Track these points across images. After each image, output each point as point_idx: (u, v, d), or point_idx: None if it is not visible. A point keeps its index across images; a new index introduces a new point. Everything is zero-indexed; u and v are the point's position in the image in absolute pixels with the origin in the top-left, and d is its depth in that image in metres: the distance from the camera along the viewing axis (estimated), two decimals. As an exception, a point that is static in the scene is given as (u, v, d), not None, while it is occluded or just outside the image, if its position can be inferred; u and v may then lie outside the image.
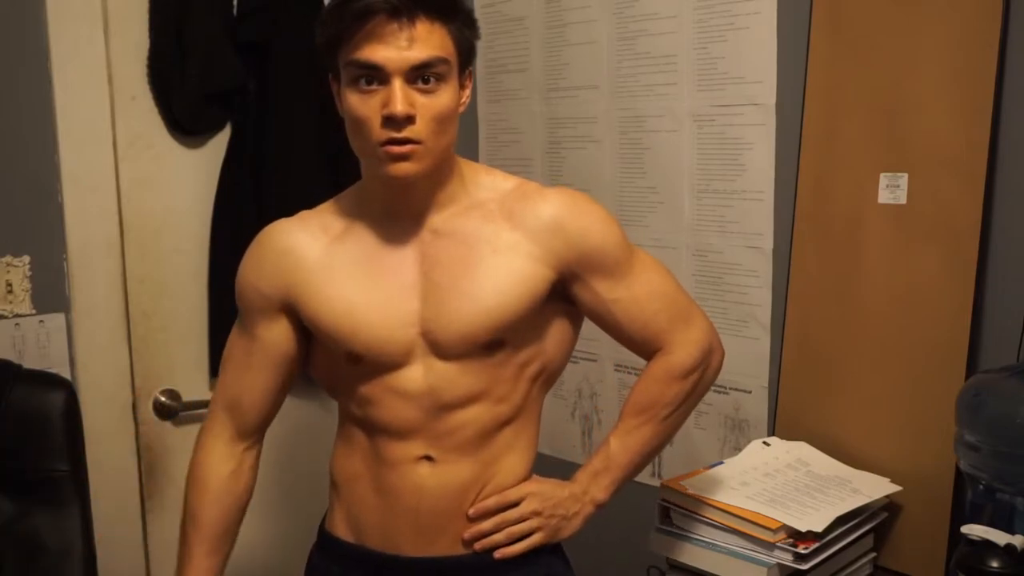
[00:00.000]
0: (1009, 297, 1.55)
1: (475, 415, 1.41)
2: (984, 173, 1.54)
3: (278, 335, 1.45)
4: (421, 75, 1.29)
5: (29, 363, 1.76)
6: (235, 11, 2.16)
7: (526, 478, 1.46)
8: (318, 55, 1.35)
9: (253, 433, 1.51)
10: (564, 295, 1.43)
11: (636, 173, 2.05)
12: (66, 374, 1.95)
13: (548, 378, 1.48)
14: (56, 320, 1.97)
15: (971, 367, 1.57)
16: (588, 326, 1.48)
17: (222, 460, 1.50)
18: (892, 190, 1.65)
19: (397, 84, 1.27)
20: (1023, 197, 1.54)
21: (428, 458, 1.41)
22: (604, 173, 2.11)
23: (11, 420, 1.59)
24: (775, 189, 1.83)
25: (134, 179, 2.10)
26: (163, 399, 2.18)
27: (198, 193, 2.18)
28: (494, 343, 1.38)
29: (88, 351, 2.02)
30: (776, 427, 1.84)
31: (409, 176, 1.31)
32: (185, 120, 2.14)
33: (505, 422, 1.43)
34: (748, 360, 1.90)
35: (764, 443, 1.76)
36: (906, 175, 1.64)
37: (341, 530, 1.50)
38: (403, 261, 1.39)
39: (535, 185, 1.44)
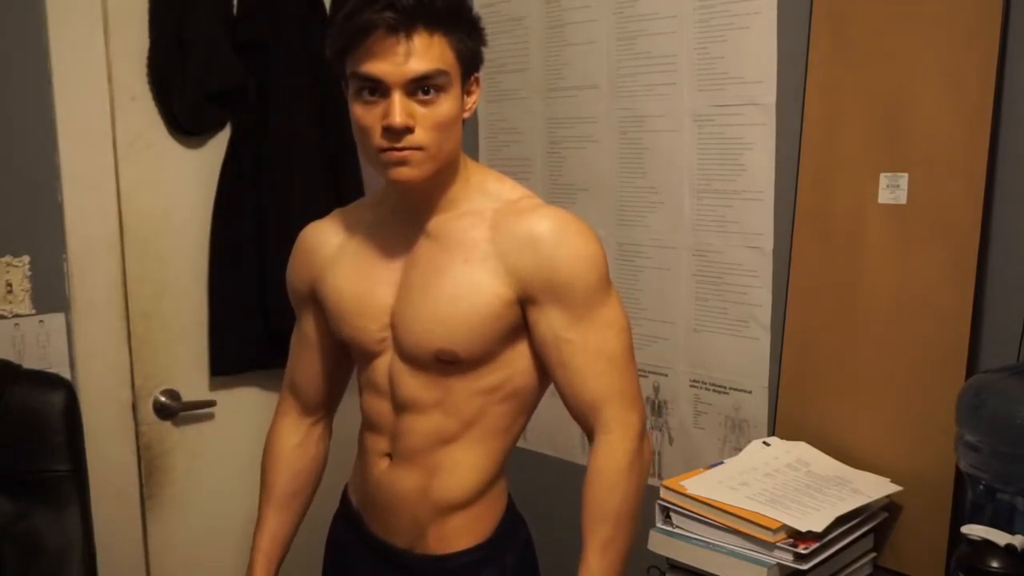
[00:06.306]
0: (1009, 297, 1.55)
1: (425, 423, 1.44)
2: (984, 173, 1.54)
3: (317, 324, 1.57)
4: (421, 86, 1.32)
5: (29, 363, 1.76)
6: (235, 11, 2.15)
7: (474, 498, 1.46)
8: (328, 63, 1.39)
9: (317, 410, 1.65)
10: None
11: (636, 173, 2.05)
12: (66, 374, 1.95)
13: (521, 403, 1.47)
14: (56, 320, 1.97)
15: (971, 367, 1.57)
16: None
17: (289, 433, 1.65)
18: (892, 190, 1.65)
19: (396, 97, 1.31)
20: (1023, 197, 1.54)
21: (388, 455, 1.49)
22: (604, 173, 2.11)
23: (11, 420, 1.59)
24: (775, 189, 1.83)
25: (134, 179, 2.10)
26: (163, 399, 2.18)
27: (198, 193, 2.17)
28: (446, 355, 1.39)
29: (88, 351, 2.02)
30: (776, 427, 1.84)
31: (410, 180, 1.36)
32: (185, 120, 2.13)
33: (451, 438, 1.44)
34: (748, 360, 1.90)
35: (764, 443, 1.76)
36: (906, 175, 1.64)
37: (354, 494, 1.58)
38: (394, 259, 1.45)
39: (538, 202, 1.43)
